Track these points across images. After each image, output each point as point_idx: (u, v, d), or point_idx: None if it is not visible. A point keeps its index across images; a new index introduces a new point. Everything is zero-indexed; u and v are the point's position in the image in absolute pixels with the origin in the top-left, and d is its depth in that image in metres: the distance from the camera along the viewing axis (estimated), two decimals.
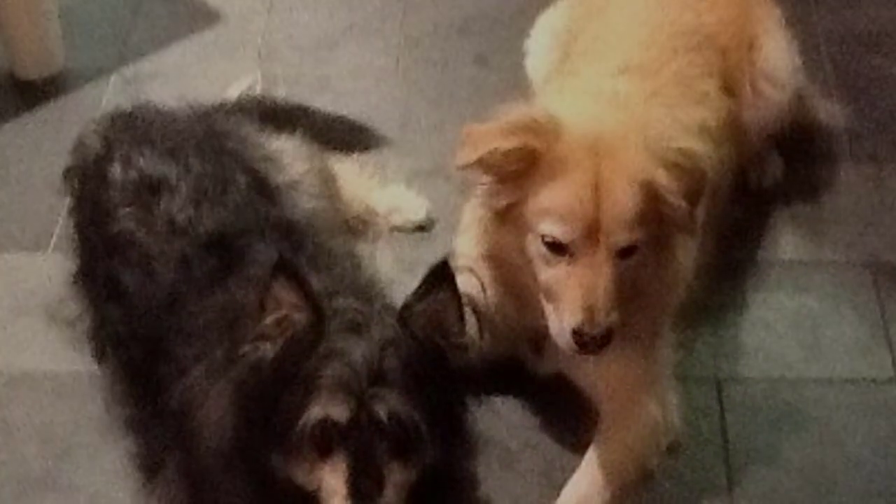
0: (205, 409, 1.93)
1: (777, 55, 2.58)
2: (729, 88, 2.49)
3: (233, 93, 2.83)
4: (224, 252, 2.11)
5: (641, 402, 2.20)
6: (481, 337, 1.90)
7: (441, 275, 1.79)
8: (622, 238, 2.04)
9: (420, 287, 1.80)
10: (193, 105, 2.46)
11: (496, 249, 2.18)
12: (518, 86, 2.72)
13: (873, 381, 2.40)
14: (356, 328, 1.80)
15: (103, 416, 2.28)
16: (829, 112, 2.85)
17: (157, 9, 3.24)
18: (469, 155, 2.09)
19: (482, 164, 2.09)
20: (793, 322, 2.51)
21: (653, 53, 2.39)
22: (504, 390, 2.33)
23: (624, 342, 2.11)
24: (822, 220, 2.71)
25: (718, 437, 2.29)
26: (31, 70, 3.03)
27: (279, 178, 2.33)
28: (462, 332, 1.82)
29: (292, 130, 2.50)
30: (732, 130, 2.47)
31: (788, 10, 2.68)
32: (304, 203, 2.32)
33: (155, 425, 2.08)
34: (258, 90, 2.94)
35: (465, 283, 1.87)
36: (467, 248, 2.24)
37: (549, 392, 2.32)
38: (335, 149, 2.69)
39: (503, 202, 2.11)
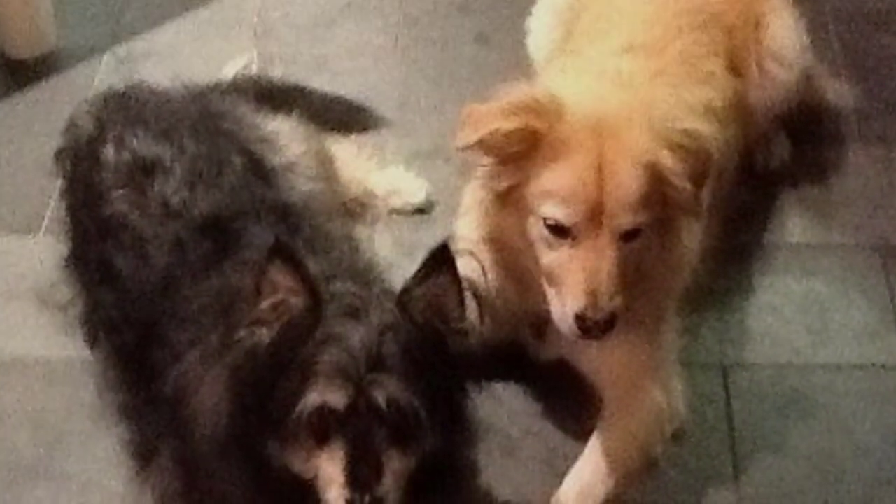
0: (199, 395, 1.92)
1: (784, 34, 2.56)
2: (735, 68, 2.48)
3: (228, 72, 2.81)
4: (219, 235, 2.10)
5: (645, 388, 2.19)
6: (482, 322, 1.89)
7: (441, 258, 1.78)
8: (626, 221, 2.02)
9: (419, 271, 1.79)
10: (188, 85, 2.45)
11: (497, 232, 2.16)
12: (520, 65, 2.70)
13: (883, 366, 2.39)
14: (354, 313, 1.78)
15: (96, 403, 2.26)
16: (838, 92, 2.84)
17: None
18: (469, 136, 2.07)
19: (483, 145, 2.07)
20: (800, 307, 2.50)
21: (657, 32, 2.38)
22: (505, 376, 2.32)
23: (628, 327, 2.10)
24: (830, 202, 2.70)
25: (724, 425, 2.28)
26: (22, 49, 3.01)
27: (275, 160, 2.31)
28: (462, 316, 1.81)
29: (289, 111, 2.48)
30: (739, 111, 2.46)
31: None
32: (301, 185, 2.30)
33: (148, 412, 2.06)
34: (254, 70, 2.92)
35: (466, 267, 1.86)
36: (468, 231, 2.22)
37: (551, 378, 2.31)
38: (333, 129, 2.67)
39: (504, 184, 2.10)
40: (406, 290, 1.79)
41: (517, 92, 2.09)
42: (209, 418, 1.88)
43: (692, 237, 2.22)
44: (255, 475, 1.82)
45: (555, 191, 2.02)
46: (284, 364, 1.76)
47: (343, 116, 2.75)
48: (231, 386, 1.83)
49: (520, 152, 2.05)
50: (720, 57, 2.43)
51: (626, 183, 2.01)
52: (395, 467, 1.75)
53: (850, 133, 2.83)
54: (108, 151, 2.24)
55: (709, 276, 2.37)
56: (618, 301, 2.02)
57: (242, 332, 1.79)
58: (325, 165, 2.46)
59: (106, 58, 3.01)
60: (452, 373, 1.82)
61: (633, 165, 2.02)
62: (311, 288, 1.77)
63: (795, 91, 2.60)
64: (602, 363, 2.20)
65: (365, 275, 2.04)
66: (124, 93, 2.41)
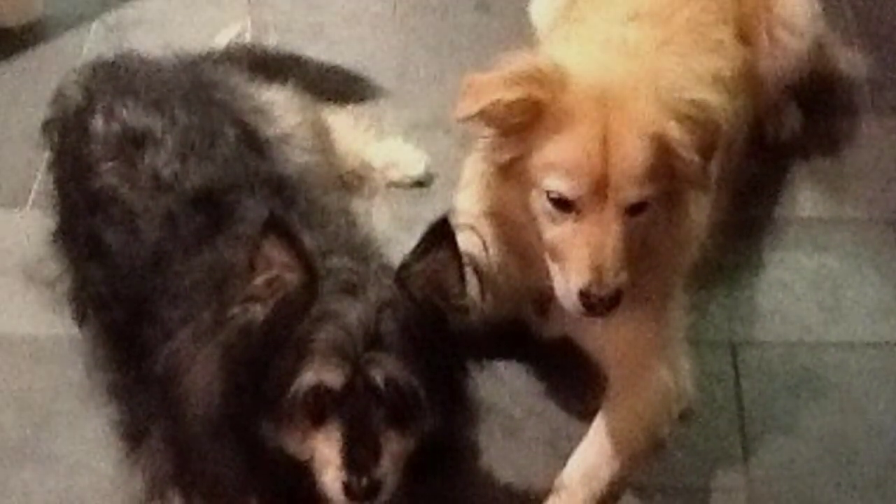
0: (191, 374, 1.90)
1: (795, 1, 2.54)
2: (744, 36, 2.45)
3: (221, 41, 2.81)
4: (212, 209, 2.08)
5: (652, 367, 2.17)
6: (483, 298, 1.87)
7: (441, 233, 1.76)
8: (632, 194, 2.00)
9: (419, 246, 1.77)
10: (179, 54, 2.43)
11: (499, 206, 2.14)
12: (522, 33, 2.68)
13: None
14: (351, 289, 1.77)
15: (84, 382, 2.24)
16: (850, 61, 2.81)
17: None
18: (470, 106, 2.04)
19: (484, 116, 2.05)
20: (812, 283, 2.48)
21: None
22: (507, 355, 2.30)
23: (633, 304, 2.07)
24: (842, 175, 2.68)
25: (733, 404, 2.26)
26: (9, 17, 2.99)
27: (270, 131, 2.29)
28: (463, 293, 1.80)
29: (284, 81, 2.47)
30: (748, 81, 2.44)
31: None
32: (297, 157, 2.28)
33: (139, 392, 2.05)
34: (248, 38, 2.92)
35: (466, 242, 1.85)
36: (468, 205, 2.20)
37: (554, 357, 2.29)
38: (329, 100, 2.65)
39: (506, 156, 2.07)
40: (405, 266, 1.77)
41: (519, 61, 2.05)
42: (201, 398, 1.87)
43: (700, 211, 2.20)
44: (248, 457, 1.81)
45: (558, 163, 1.99)
46: (279, 342, 1.74)
47: (339, 86, 2.73)
48: (224, 365, 1.81)
49: (522, 123, 2.02)
50: (729, 25, 2.40)
51: (632, 155, 1.98)
52: (393, 448, 1.73)
53: (863, 104, 2.81)
54: (97, 122, 2.23)
55: (717, 251, 2.35)
56: (623, 277, 1.99)
57: (236, 309, 1.77)
58: (321, 137, 2.44)
59: (95, 26, 2.99)
60: (453, 351, 1.80)
61: (640, 137, 1.99)
62: (307, 263, 1.75)
63: (807, 60, 2.57)
64: (607, 341, 2.18)
65: (362, 250, 2.01)
66: (114, 62, 2.38)
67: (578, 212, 1.99)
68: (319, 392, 1.70)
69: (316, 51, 2.82)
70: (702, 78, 2.24)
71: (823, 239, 2.54)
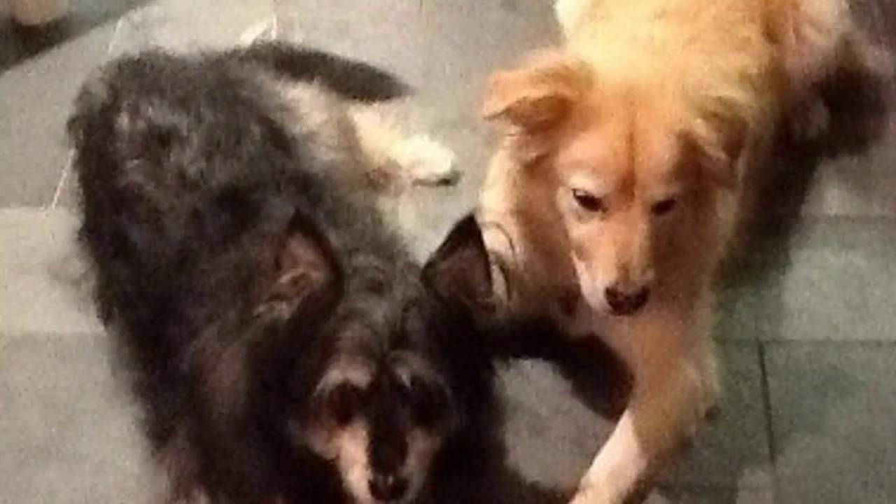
0: (217, 372, 1.90)
1: None
2: (771, 34, 2.45)
3: (247, 38, 2.82)
4: (237, 207, 2.08)
5: (679, 365, 2.16)
6: (509, 297, 1.87)
7: (467, 231, 1.76)
8: (658, 192, 1.99)
9: (445, 244, 1.77)
10: (205, 51, 2.44)
11: (525, 204, 2.13)
12: (548, 31, 2.68)
13: None
14: (377, 287, 1.77)
15: (110, 381, 2.24)
16: (877, 59, 2.82)
17: None
18: (496, 104, 2.04)
19: (510, 113, 2.05)
20: (839, 281, 2.46)
21: None
22: (533, 353, 2.29)
23: (660, 302, 2.07)
24: (869, 173, 2.66)
25: (760, 403, 2.25)
26: (34, 15, 3.00)
27: (296, 129, 2.29)
28: (489, 291, 1.80)
29: (310, 78, 2.47)
30: (775, 78, 2.43)
31: None
32: (322, 155, 2.28)
33: (164, 390, 2.05)
34: (273, 36, 2.92)
35: (493, 240, 1.85)
36: (495, 203, 2.20)
37: (580, 355, 2.28)
38: (355, 98, 2.66)
39: (533, 154, 2.07)
40: (431, 264, 1.77)
41: (546, 59, 2.05)
42: (227, 397, 1.87)
43: (727, 209, 2.19)
44: (274, 455, 1.81)
45: (585, 161, 1.99)
46: (305, 340, 1.74)
47: (366, 84, 2.74)
48: (250, 363, 1.81)
49: (549, 121, 2.02)
50: (756, 22, 2.40)
51: (659, 153, 1.98)
52: (419, 447, 1.73)
53: (891, 101, 2.79)
54: (123, 120, 2.23)
55: (744, 249, 2.34)
56: (650, 275, 1.99)
57: (261, 308, 1.77)
58: (347, 135, 2.44)
59: (120, 23, 3.01)
60: (479, 349, 1.80)
61: (666, 135, 1.98)
62: (333, 262, 1.75)
63: (834, 58, 2.57)
64: (634, 339, 2.17)
65: (388, 248, 2.01)
66: (139, 60, 2.39)
67: (605, 210, 1.99)
68: (345, 390, 1.70)
69: (342, 48, 2.83)
70: (728, 76, 2.24)
71: (850, 237, 2.53)
